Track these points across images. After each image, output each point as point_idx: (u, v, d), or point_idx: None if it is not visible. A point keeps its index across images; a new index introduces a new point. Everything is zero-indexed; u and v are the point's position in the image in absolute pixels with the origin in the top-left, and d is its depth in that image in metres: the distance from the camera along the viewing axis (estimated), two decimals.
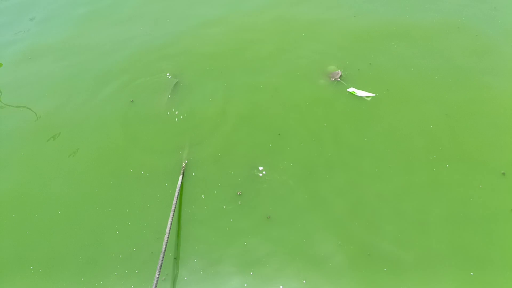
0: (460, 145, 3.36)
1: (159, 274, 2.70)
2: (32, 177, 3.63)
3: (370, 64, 4.08)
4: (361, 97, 3.74)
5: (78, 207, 3.36)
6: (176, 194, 3.17)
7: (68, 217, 3.31)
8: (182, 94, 4.08)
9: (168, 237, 2.88)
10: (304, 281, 2.79)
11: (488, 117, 3.55)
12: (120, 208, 3.29)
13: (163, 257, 2.77)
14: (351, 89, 3.81)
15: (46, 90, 4.43)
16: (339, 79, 3.53)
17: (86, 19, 5.40)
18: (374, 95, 3.74)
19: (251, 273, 2.87)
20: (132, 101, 4.09)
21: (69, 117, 4.07)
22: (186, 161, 3.50)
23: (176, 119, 3.84)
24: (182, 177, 3.36)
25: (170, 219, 2.99)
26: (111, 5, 5.58)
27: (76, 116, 4.07)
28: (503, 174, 3.14)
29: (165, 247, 2.83)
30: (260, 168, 3.31)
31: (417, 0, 4.86)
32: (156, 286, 2.61)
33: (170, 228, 2.94)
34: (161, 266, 2.74)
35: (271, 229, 3.05)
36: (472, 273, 2.72)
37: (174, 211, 3.05)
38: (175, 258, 3.00)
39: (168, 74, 4.27)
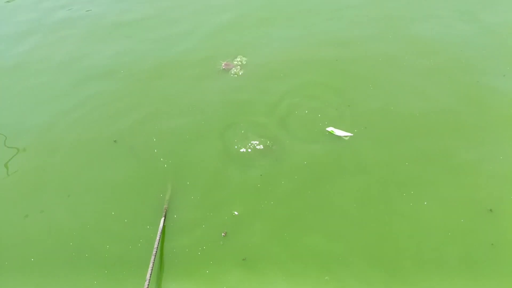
0: (441, 182, 3.46)
1: None
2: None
3: (349, 106, 4.24)
4: (339, 136, 3.89)
5: (52, 253, 3.24)
6: (157, 238, 3.12)
7: (41, 265, 3.18)
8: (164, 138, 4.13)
9: (148, 284, 2.81)
10: None
11: (472, 152, 3.64)
12: (98, 254, 3.20)
13: None
14: (330, 128, 3.96)
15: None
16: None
17: None
18: (351, 134, 3.89)
19: None
20: (115, 141, 4.10)
21: (49, 156, 4.05)
22: (168, 203, 3.49)
23: (164, 165, 3.83)
24: (164, 219, 3.33)
25: (151, 264, 2.93)
26: None
27: (58, 155, 4.05)
28: (490, 210, 3.22)
29: None
30: (235, 213, 3.33)
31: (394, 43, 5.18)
32: None
33: (150, 274, 2.87)
34: None
35: (248, 271, 3.02)
36: None
37: (155, 256, 3.00)
38: None
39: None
